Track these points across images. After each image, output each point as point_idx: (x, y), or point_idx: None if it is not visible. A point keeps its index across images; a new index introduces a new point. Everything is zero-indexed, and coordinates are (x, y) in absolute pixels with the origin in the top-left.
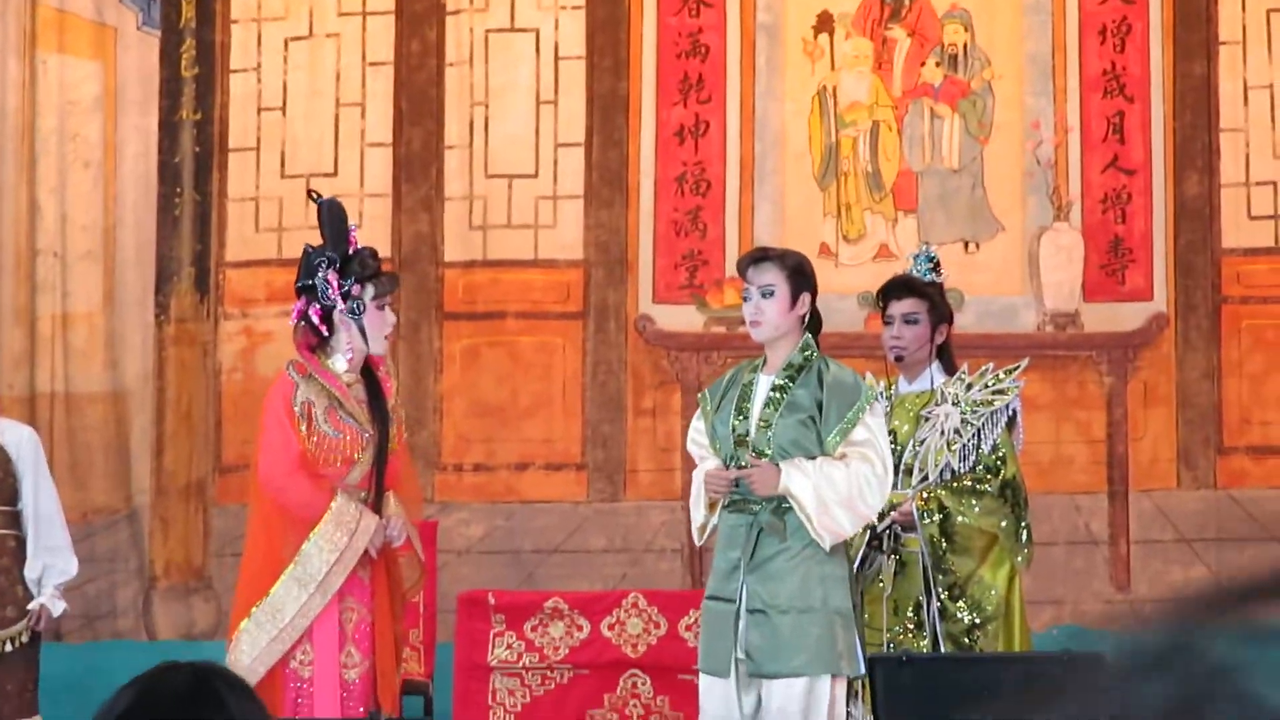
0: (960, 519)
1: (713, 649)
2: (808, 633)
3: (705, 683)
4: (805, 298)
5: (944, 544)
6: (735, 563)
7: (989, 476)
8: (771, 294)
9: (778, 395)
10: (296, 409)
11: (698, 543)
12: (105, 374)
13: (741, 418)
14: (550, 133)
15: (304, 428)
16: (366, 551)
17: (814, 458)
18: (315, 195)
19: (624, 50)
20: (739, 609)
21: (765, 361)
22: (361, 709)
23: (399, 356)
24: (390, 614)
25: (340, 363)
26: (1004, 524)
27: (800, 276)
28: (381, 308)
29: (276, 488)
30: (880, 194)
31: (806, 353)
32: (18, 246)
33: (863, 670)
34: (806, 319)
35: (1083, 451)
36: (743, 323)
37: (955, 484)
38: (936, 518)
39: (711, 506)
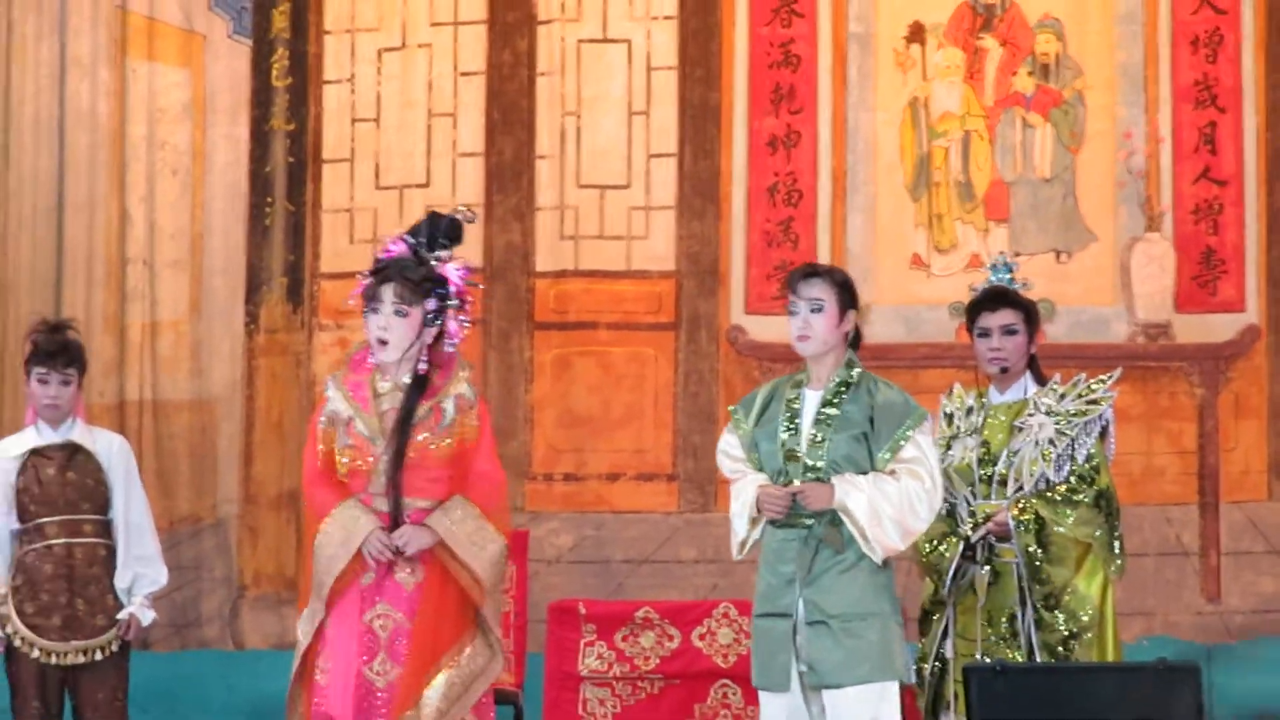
0: (1056, 529)
1: (770, 665)
2: (870, 640)
3: (765, 699)
4: (851, 314)
5: (1040, 554)
6: (789, 577)
7: (1084, 486)
8: (821, 309)
9: (830, 411)
10: (322, 421)
11: (737, 557)
12: (192, 382)
13: (791, 433)
14: (642, 143)
15: (332, 438)
16: (395, 558)
17: (865, 473)
18: (468, 214)
19: (716, 61)
20: (795, 623)
21: (810, 377)
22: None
23: (488, 365)
24: (435, 622)
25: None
26: (1098, 534)
27: (847, 293)
28: (373, 310)
29: (304, 498)
30: (972, 204)
31: (853, 369)
32: (108, 255)
33: (914, 678)
34: (850, 335)
35: (1174, 463)
36: None
37: (1050, 494)
38: (1033, 528)
39: (754, 522)
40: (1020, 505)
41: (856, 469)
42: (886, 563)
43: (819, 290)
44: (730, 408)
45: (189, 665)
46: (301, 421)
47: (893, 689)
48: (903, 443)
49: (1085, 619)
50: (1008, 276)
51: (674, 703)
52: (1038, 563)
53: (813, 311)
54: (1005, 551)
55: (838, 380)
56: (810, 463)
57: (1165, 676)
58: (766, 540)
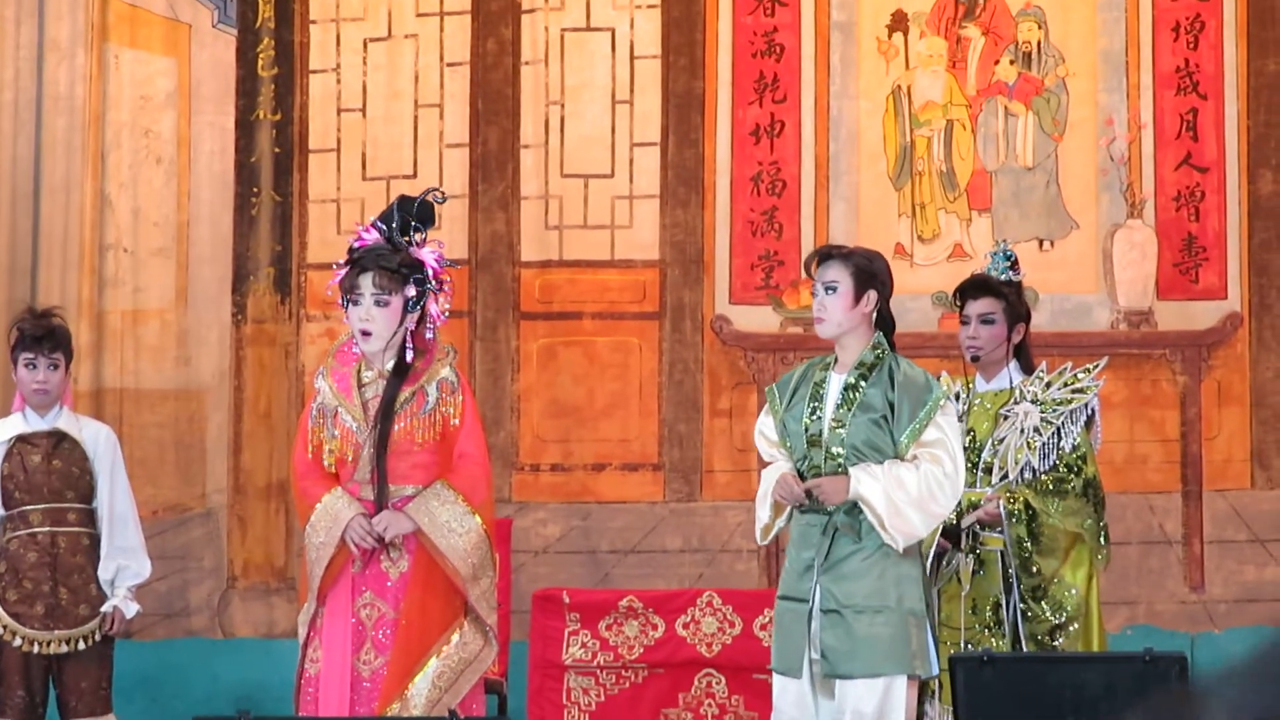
0: (1047, 520)
1: (785, 649)
2: (881, 633)
3: (779, 683)
4: (871, 295)
5: (1030, 545)
6: (809, 563)
7: (1071, 476)
8: (834, 290)
9: (850, 395)
10: (312, 415)
11: (760, 543)
12: (178, 371)
13: (814, 417)
14: (626, 132)
15: (321, 429)
16: (379, 545)
17: (885, 458)
18: (437, 195)
19: (699, 50)
20: (812, 609)
21: (836, 360)
22: (375, 705)
23: (474, 356)
24: (421, 611)
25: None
26: (1087, 524)
27: (865, 274)
28: (354, 302)
29: (295, 492)
30: (954, 193)
31: (878, 351)
32: (83, 239)
33: (935, 671)
34: (874, 316)
35: (1156, 451)
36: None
37: (1040, 484)
38: (1024, 518)
39: (778, 508)
40: (1011, 496)
41: (877, 454)
42: (911, 553)
43: (833, 272)
44: (767, 388)
45: (174, 654)
46: (290, 412)
47: (900, 683)
48: (924, 426)
49: (1071, 609)
50: (1004, 265)
51: (658, 692)
52: (1028, 554)
53: (827, 293)
54: (991, 540)
55: (860, 362)
56: (831, 448)
57: (1152, 667)
58: (794, 524)
